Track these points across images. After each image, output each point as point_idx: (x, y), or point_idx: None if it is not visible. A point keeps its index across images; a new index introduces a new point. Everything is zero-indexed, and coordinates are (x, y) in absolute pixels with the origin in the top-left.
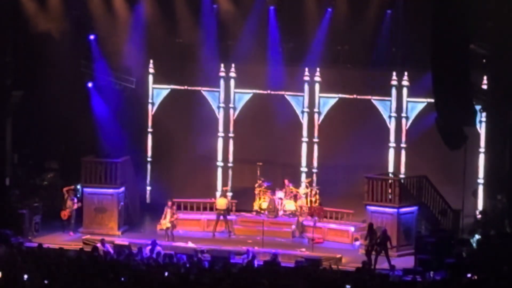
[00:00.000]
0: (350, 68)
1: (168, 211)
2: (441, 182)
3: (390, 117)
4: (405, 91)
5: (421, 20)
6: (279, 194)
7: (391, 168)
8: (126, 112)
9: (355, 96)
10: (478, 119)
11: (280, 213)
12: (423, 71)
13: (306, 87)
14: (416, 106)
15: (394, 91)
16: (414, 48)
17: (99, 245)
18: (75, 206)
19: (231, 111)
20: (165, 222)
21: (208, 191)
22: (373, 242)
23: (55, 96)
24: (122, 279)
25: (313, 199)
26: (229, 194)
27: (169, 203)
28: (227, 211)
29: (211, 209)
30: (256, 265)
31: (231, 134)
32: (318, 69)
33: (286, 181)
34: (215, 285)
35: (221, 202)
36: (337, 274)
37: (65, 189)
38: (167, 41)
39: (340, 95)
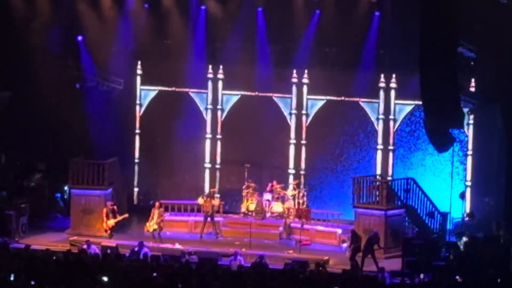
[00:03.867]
0: (338, 70)
1: (155, 213)
2: (429, 184)
3: (378, 119)
4: (393, 93)
5: (409, 23)
6: (267, 196)
7: (378, 170)
8: (114, 113)
9: (343, 98)
10: (465, 121)
11: (268, 215)
12: (411, 73)
13: (294, 89)
14: (404, 108)
15: (382, 93)
16: (402, 50)
17: (85, 246)
18: (120, 218)
19: (219, 112)
20: (151, 224)
21: (195, 193)
22: (357, 246)
23: (43, 97)
24: (109, 280)
25: (301, 201)
26: (217, 195)
27: (156, 205)
28: (213, 212)
29: (199, 210)
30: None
31: (218, 136)
32: (306, 71)
33: (274, 183)
34: (203, 286)
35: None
36: (324, 276)
37: (109, 206)
38: (155, 43)
39: (328, 97)
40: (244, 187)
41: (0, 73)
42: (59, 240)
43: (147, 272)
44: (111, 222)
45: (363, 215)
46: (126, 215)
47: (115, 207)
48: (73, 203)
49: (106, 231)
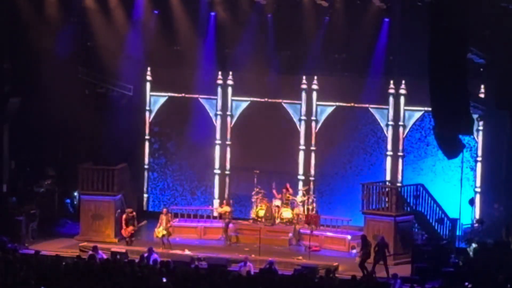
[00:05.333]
0: (348, 76)
1: (163, 219)
2: (438, 190)
3: (387, 125)
4: (402, 99)
5: (418, 29)
6: (276, 202)
7: (388, 176)
8: (123, 119)
9: (352, 104)
10: (475, 127)
11: (277, 221)
12: (421, 79)
13: (303, 95)
14: (413, 114)
15: (391, 100)
16: (411, 56)
17: (91, 252)
18: (139, 225)
19: (229, 118)
20: (160, 230)
21: (205, 199)
22: (367, 252)
23: (52, 103)
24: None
25: (310, 207)
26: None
27: (164, 211)
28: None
29: (208, 217)
30: (252, 273)
31: (228, 142)
32: (315, 77)
33: (287, 185)
34: None
35: (226, 209)
36: (335, 282)
37: (129, 213)
38: (165, 49)
39: (338, 103)
40: (253, 193)
41: (10, 79)
42: (68, 246)
43: (157, 278)
44: (130, 229)
45: (373, 221)
46: (145, 222)
47: (134, 214)
48: (83, 209)
49: (125, 238)
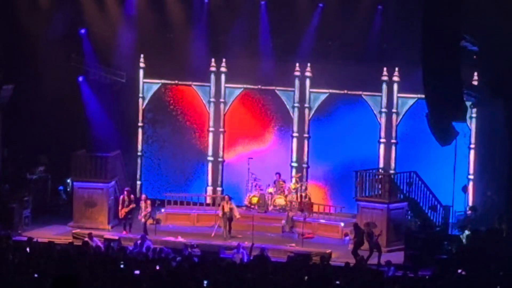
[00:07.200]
0: (341, 63)
1: (142, 205)
2: (431, 177)
3: (380, 112)
4: (395, 86)
5: (412, 16)
6: (269, 189)
7: (381, 164)
8: (117, 106)
9: (345, 91)
10: (468, 115)
11: (270, 208)
12: (414, 66)
13: (296, 82)
14: (406, 101)
15: (384, 87)
16: (405, 43)
17: (87, 239)
18: (129, 207)
19: (222, 105)
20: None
21: (198, 186)
22: (359, 239)
23: (45, 90)
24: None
25: (303, 194)
26: (218, 190)
27: (143, 197)
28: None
29: (201, 204)
30: (246, 260)
31: (221, 129)
32: (308, 64)
33: (277, 176)
34: (205, 279)
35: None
36: (328, 269)
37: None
38: (158, 36)
39: (331, 90)
40: (246, 180)
41: (3, 66)
42: (61, 233)
43: (150, 265)
44: (123, 211)
45: (366, 208)
46: (133, 205)
47: (126, 195)
48: (76, 196)
49: (122, 220)
